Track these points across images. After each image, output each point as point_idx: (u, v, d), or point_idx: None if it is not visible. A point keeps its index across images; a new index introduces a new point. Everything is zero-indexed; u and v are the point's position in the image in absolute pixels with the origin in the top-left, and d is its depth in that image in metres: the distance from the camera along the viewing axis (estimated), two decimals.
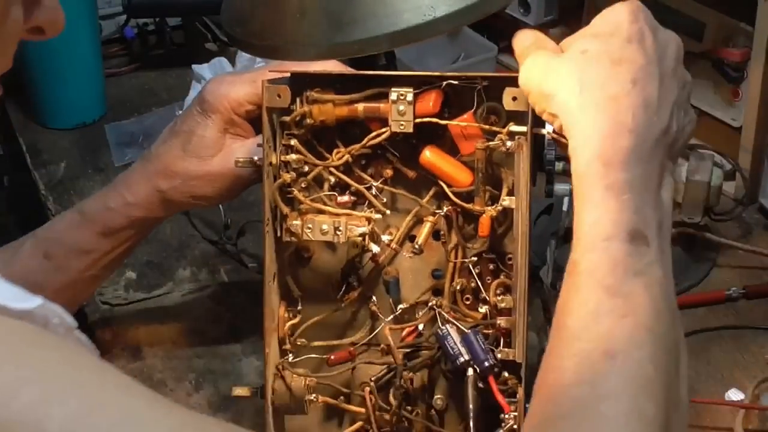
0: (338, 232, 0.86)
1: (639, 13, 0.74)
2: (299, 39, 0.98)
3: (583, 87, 0.71)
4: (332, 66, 0.95)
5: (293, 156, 0.87)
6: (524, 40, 0.80)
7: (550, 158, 1.04)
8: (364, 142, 0.88)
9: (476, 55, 1.47)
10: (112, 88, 1.58)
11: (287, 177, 0.87)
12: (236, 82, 0.96)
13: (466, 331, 0.86)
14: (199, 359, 1.09)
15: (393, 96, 0.87)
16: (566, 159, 1.08)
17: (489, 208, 0.87)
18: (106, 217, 0.96)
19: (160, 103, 1.55)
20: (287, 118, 0.88)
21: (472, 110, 0.87)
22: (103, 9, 1.61)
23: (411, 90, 0.86)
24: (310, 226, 0.86)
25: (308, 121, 0.87)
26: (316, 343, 0.91)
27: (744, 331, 1.08)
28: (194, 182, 0.95)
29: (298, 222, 0.87)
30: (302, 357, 0.90)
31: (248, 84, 0.95)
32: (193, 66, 1.50)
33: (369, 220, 0.87)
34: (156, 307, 1.17)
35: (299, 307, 0.91)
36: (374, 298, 0.91)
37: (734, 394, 1.00)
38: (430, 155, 0.88)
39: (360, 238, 0.86)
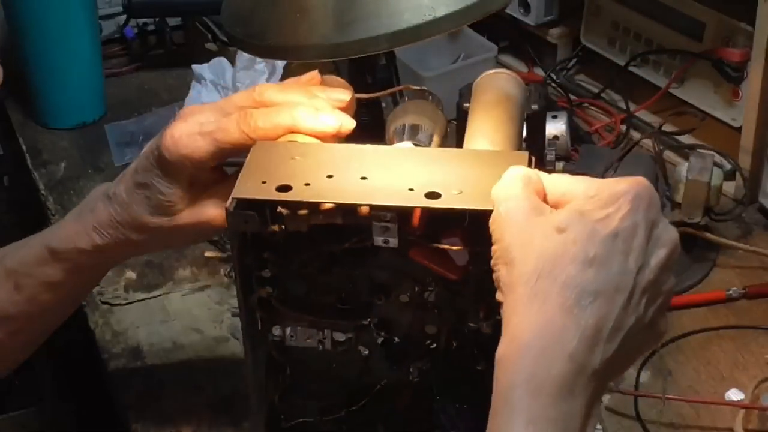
0: (323, 341, 0.80)
1: (642, 202, 0.64)
2: (299, 39, 0.98)
3: (540, 277, 0.61)
4: (296, 87, 0.88)
5: (267, 272, 0.78)
6: (514, 176, 0.68)
7: (550, 158, 1.05)
8: (345, 246, 0.77)
9: (476, 55, 1.47)
10: (112, 88, 1.58)
11: (263, 292, 0.79)
12: (197, 137, 0.84)
13: None
14: (199, 359, 1.09)
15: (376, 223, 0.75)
16: (566, 159, 1.09)
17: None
18: (76, 257, 0.90)
19: (160, 103, 1.55)
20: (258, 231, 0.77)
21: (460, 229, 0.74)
22: (103, 9, 1.61)
23: (395, 215, 0.73)
24: (292, 334, 0.80)
25: (281, 232, 0.76)
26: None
27: (744, 331, 1.08)
28: (164, 236, 0.88)
29: (278, 332, 0.80)
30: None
31: (209, 141, 0.83)
32: (193, 66, 1.50)
33: (356, 326, 0.79)
34: (156, 307, 1.17)
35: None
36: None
37: (734, 394, 1.00)
38: (416, 256, 0.76)
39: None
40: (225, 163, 0.87)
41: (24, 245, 0.94)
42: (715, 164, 1.14)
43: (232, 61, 1.45)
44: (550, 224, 0.63)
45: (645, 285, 0.63)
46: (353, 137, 1.44)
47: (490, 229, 0.66)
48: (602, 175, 1.12)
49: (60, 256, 0.90)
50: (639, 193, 0.64)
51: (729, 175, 1.19)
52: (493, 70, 0.93)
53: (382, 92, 0.94)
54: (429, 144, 0.93)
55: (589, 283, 0.61)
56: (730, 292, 1.11)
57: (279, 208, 0.74)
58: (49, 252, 0.91)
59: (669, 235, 0.65)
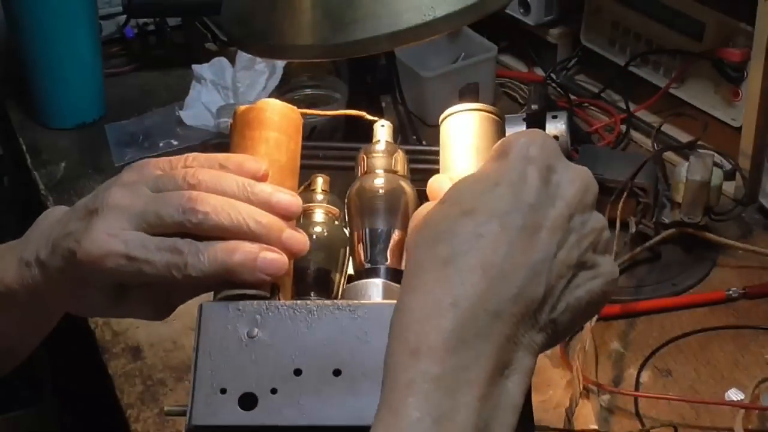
0: None
1: (532, 147, 0.61)
2: (299, 39, 0.98)
3: (418, 245, 0.59)
4: None
5: None
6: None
7: None
8: None
9: (476, 55, 1.47)
10: (112, 88, 1.58)
11: None
12: (120, 259, 0.66)
13: None
14: None
15: None
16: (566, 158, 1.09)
17: None
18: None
19: (160, 103, 1.55)
20: None
21: None
22: (103, 9, 1.61)
23: None
24: None
25: None
26: None
27: (744, 331, 1.08)
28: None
29: None
30: None
31: (134, 269, 0.66)
32: (193, 66, 1.50)
33: None
34: None
35: None
36: None
37: (734, 394, 1.00)
38: None
39: None
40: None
41: None
42: (715, 164, 1.14)
43: (232, 61, 1.45)
44: (437, 202, 0.62)
45: (555, 220, 0.59)
46: (354, 137, 1.44)
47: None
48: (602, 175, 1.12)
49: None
50: (527, 141, 0.61)
51: (729, 175, 1.19)
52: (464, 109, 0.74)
53: (332, 112, 0.91)
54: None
55: (466, 231, 0.58)
56: (730, 292, 1.11)
57: None
58: None
59: (575, 174, 0.62)
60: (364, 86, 1.35)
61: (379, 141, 0.80)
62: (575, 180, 0.61)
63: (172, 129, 1.47)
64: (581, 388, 0.97)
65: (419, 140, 1.34)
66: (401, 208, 0.73)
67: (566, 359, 1.03)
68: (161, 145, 1.45)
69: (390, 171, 0.77)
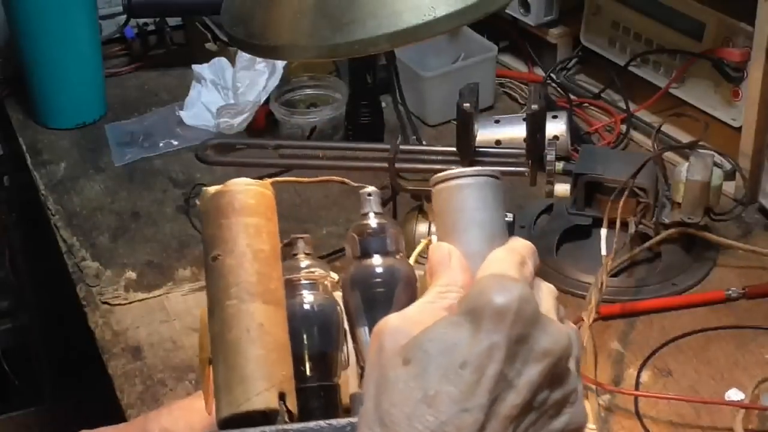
0: None
1: (504, 316, 0.54)
2: (299, 39, 0.98)
3: (381, 423, 0.54)
4: None
5: None
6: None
7: (550, 158, 1.05)
8: None
9: (476, 55, 1.47)
10: (112, 88, 1.58)
11: None
12: None
13: None
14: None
15: None
16: (566, 158, 1.09)
17: None
18: None
19: (160, 103, 1.55)
20: None
21: None
22: (103, 9, 1.61)
23: None
24: None
25: None
26: None
27: (744, 331, 1.08)
28: (176, 413, 0.83)
29: None
30: None
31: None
32: (193, 66, 1.50)
33: None
34: (156, 307, 1.17)
35: None
36: None
37: (734, 394, 0.99)
38: None
39: None
40: None
41: None
42: (715, 164, 1.14)
43: (232, 61, 1.45)
44: (397, 353, 0.55)
45: (508, 413, 0.54)
46: (355, 137, 1.45)
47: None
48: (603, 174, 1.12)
49: None
50: (502, 307, 0.54)
51: (729, 175, 1.19)
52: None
53: (310, 180, 0.82)
54: None
55: (425, 426, 0.53)
56: (730, 292, 1.11)
57: None
58: None
59: (546, 344, 0.55)
60: (364, 86, 1.36)
61: (367, 214, 0.71)
62: (548, 353, 0.55)
63: (172, 129, 1.47)
64: None
65: (419, 140, 1.34)
66: (406, 299, 0.66)
67: None
68: (161, 145, 1.45)
69: (387, 253, 0.69)
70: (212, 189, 0.65)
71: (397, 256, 0.69)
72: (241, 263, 0.63)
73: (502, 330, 0.54)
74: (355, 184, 0.75)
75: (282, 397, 0.61)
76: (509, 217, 0.92)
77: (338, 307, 0.70)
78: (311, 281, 0.70)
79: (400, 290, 0.67)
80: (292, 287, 0.69)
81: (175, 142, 1.45)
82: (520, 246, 0.61)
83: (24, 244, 1.82)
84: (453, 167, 0.67)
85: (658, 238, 1.15)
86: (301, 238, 0.74)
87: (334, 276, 0.72)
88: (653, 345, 1.06)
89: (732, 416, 0.95)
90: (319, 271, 0.71)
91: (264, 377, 0.61)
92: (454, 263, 0.60)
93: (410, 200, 1.08)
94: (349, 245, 0.70)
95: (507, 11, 1.52)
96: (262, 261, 0.64)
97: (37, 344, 1.91)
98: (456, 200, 0.66)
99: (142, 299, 1.18)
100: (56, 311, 1.68)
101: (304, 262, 0.71)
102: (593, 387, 1.01)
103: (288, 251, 0.72)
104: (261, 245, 0.65)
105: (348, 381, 0.69)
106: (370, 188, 0.71)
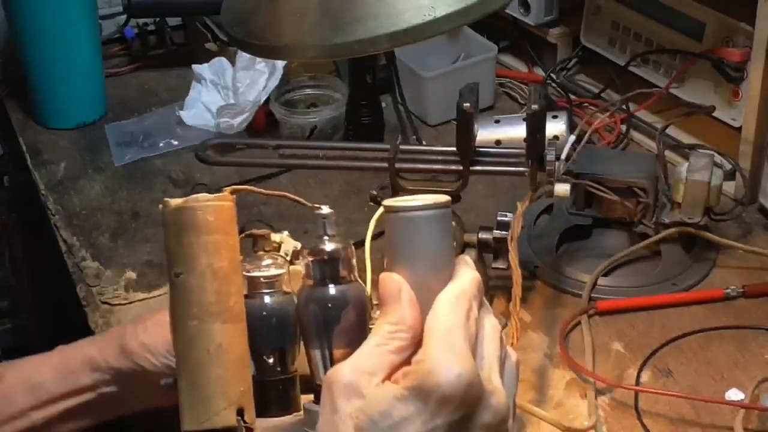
0: None
1: (452, 400, 0.58)
2: (299, 39, 0.98)
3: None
4: None
5: None
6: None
7: (550, 159, 1.05)
8: None
9: (476, 55, 1.47)
10: (112, 88, 1.58)
11: None
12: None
13: None
14: None
15: None
16: (566, 159, 1.09)
17: None
18: (66, 353, 0.93)
19: (160, 103, 1.55)
20: None
21: None
22: (103, 9, 1.61)
23: None
24: None
25: None
26: None
27: (744, 331, 1.08)
28: (152, 329, 0.90)
29: None
30: None
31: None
32: (193, 66, 1.50)
33: None
34: (156, 307, 1.16)
35: None
36: None
37: (734, 394, 0.99)
38: None
39: None
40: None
41: None
42: (715, 164, 1.14)
43: (232, 61, 1.45)
44: (350, 417, 0.59)
45: None
46: (355, 137, 1.45)
47: None
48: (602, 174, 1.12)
49: (54, 352, 0.93)
50: (449, 393, 0.58)
51: (729, 175, 1.19)
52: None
53: (268, 191, 0.86)
54: None
55: None
56: (729, 290, 1.11)
57: None
58: (49, 351, 0.93)
59: (487, 419, 0.60)
60: (364, 86, 1.36)
61: (321, 237, 0.74)
62: (489, 427, 0.60)
63: (172, 129, 1.47)
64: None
65: (419, 140, 1.34)
66: (357, 321, 0.70)
67: (568, 356, 1.03)
68: (161, 145, 1.45)
69: (339, 278, 0.72)
70: (173, 202, 0.68)
71: (351, 276, 0.72)
72: (201, 283, 0.67)
73: (446, 414, 0.58)
74: (310, 205, 0.78)
75: (240, 412, 0.66)
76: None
77: (294, 304, 0.73)
78: (269, 282, 0.75)
79: (351, 313, 0.70)
80: (251, 285, 0.74)
81: (175, 142, 1.45)
82: (467, 286, 0.64)
83: (24, 244, 1.82)
84: (440, 191, 0.69)
85: (658, 237, 1.15)
86: (261, 235, 0.78)
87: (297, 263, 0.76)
88: (653, 345, 1.06)
89: (732, 416, 0.96)
90: (275, 271, 0.75)
91: (223, 396, 0.66)
92: (404, 298, 0.63)
93: None
94: (304, 267, 0.73)
95: (507, 11, 1.52)
96: (221, 279, 0.67)
97: (37, 344, 1.91)
98: (405, 231, 0.68)
99: (142, 299, 1.18)
100: (56, 311, 1.68)
101: (266, 261, 0.75)
102: (591, 379, 1.01)
103: (249, 244, 0.77)
104: (220, 262, 0.68)
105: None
106: (325, 210, 0.75)
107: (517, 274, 0.98)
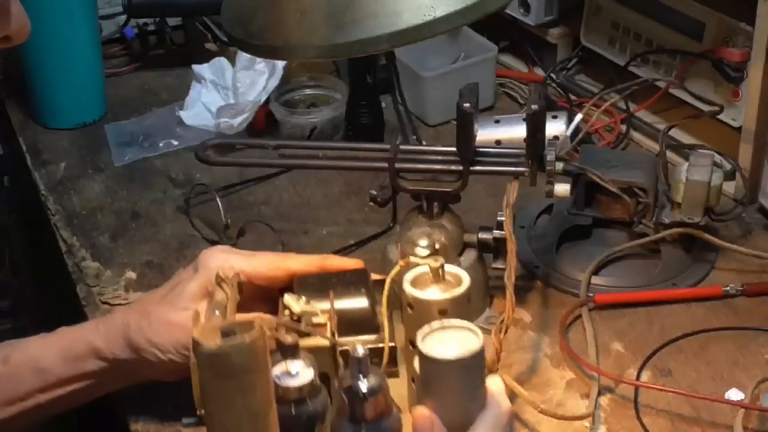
0: None
1: None
2: (299, 39, 0.98)
3: None
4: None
5: None
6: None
7: (550, 159, 1.05)
8: None
9: (476, 55, 1.47)
10: (112, 88, 1.58)
11: None
12: (233, 253, 0.95)
13: None
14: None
15: None
16: (565, 159, 1.09)
17: None
18: (70, 338, 0.95)
19: (160, 103, 1.55)
20: None
21: None
22: (103, 9, 1.61)
23: None
24: None
25: None
26: None
27: (744, 331, 1.08)
28: (158, 326, 0.92)
29: None
30: None
31: (241, 257, 0.94)
32: (193, 66, 1.50)
33: None
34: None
35: None
36: None
37: (734, 394, 0.99)
38: None
39: None
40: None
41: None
42: (715, 164, 1.14)
43: (232, 61, 1.45)
44: None
45: None
46: (355, 137, 1.44)
47: None
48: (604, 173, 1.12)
49: (57, 333, 0.96)
50: None
51: (729, 175, 1.19)
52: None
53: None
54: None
55: None
56: (728, 288, 1.11)
57: None
58: (52, 333, 0.96)
59: None
60: (364, 86, 1.36)
61: (356, 376, 0.74)
62: None
63: (172, 129, 1.47)
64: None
65: (419, 140, 1.34)
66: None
67: (567, 348, 1.03)
68: (161, 145, 1.45)
69: (374, 415, 0.74)
70: (206, 346, 0.66)
71: (387, 408, 0.73)
72: (237, 423, 0.68)
73: None
74: (345, 347, 0.79)
75: None
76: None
77: (326, 403, 0.75)
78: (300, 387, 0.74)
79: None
80: (283, 392, 0.74)
81: (175, 142, 1.45)
82: (500, 418, 0.70)
83: (24, 244, 1.82)
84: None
85: (657, 236, 1.15)
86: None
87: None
88: (653, 345, 1.06)
89: (732, 416, 0.95)
90: (304, 377, 0.74)
91: None
92: None
93: (410, 200, 1.08)
94: (338, 400, 0.74)
95: (507, 11, 1.52)
96: (256, 417, 0.68)
97: None
98: (440, 372, 0.72)
99: None
100: (56, 311, 1.68)
101: (294, 365, 0.75)
102: (594, 374, 1.01)
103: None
104: (256, 401, 0.68)
105: None
106: (360, 350, 0.73)
107: (511, 243, 0.98)
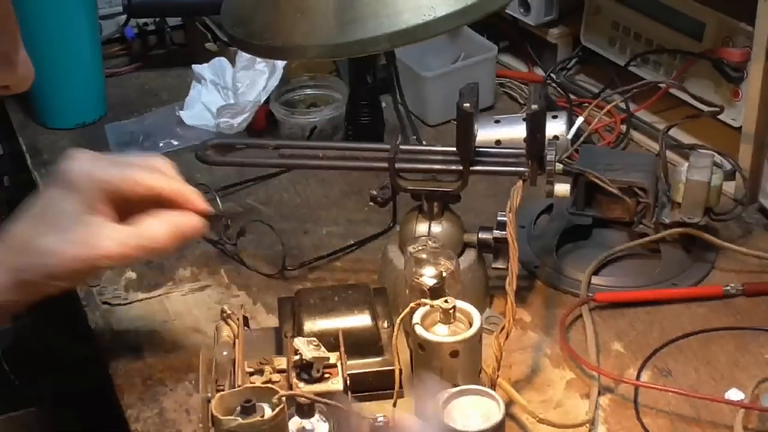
0: None
1: None
2: (299, 39, 0.98)
3: None
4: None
5: None
6: None
7: (550, 159, 1.05)
8: None
9: (476, 55, 1.47)
10: (112, 88, 1.58)
11: None
12: (98, 161, 0.94)
13: None
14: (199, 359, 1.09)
15: None
16: (565, 162, 1.09)
17: None
18: None
19: (160, 103, 1.55)
20: None
21: None
22: (103, 9, 1.61)
23: None
24: None
25: None
26: None
27: (744, 331, 1.08)
28: (50, 259, 0.88)
29: None
30: None
31: (110, 165, 0.93)
32: (193, 66, 1.50)
33: None
34: (156, 307, 1.17)
35: None
36: None
37: (734, 394, 0.99)
38: None
39: None
40: None
41: None
42: (715, 164, 1.14)
43: (232, 61, 1.45)
44: None
45: None
46: (355, 137, 1.44)
47: None
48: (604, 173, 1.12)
49: None
50: None
51: (729, 175, 1.19)
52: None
53: None
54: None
55: None
56: (728, 288, 1.11)
57: None
58: None
59: None
60: (364, 86, 1.36)
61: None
62: None
63: (172, 129, 1.47)
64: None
65: (419, 140, 1.34)
66: None
67: (567, 348, 1.03)
68: (161, 145, 1.45)
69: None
70: (226, 424, 0.72)
71: None
72: None
73: None
74: (371, 417, 0.80)
75: None
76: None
77: None
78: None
79: None
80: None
81: (175, 142, 1.45)
82: None
83: None
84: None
85: (657, 236, 1.15)
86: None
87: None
88: (653, 345, 1.06)
89: (732, 416, 0.95)
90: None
91: None
92: None
93: (410, 200, 1.08)
94: None
95: (507, 11, 1.52)
96: None
97: (37, 344, 1.91)
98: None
99: (142, 299, 1.18)
100: (56, 311, 1.68)
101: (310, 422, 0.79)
102: (595, 374, 1.01)
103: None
104: None
105: None
106: (380, 418, 0.79)
107: (514, 249, 0.98)
